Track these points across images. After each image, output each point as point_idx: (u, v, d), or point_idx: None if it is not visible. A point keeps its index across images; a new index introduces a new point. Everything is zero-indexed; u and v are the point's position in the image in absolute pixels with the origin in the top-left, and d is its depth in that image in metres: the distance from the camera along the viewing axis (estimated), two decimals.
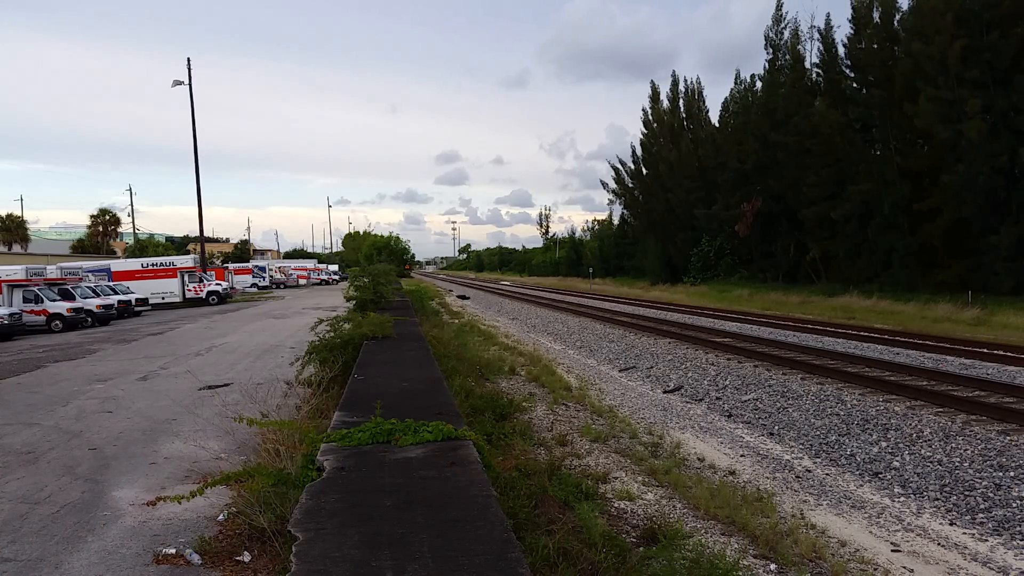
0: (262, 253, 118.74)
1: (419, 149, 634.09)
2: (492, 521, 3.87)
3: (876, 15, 34.46)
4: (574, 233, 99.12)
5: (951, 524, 7.40)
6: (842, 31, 43.36)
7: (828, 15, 39.87)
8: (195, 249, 63.75)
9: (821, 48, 38.73)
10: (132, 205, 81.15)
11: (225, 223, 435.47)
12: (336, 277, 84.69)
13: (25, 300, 27.24)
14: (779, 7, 42.40)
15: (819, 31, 38.80)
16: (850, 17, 35.66)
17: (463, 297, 52.31)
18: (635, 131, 63.30)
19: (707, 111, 56.09)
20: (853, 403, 11.84)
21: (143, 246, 71.57)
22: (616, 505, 7.20)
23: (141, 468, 7.74)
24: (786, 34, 41.84)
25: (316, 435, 5.76)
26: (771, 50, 42.60)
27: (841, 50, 37.34)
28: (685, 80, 57.29)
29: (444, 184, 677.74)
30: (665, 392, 14.62)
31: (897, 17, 33.57)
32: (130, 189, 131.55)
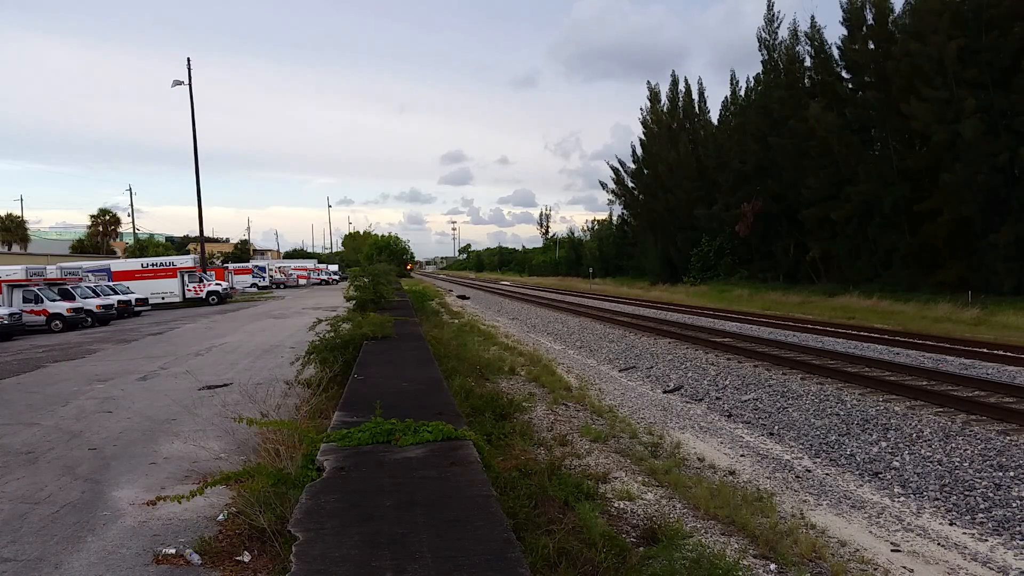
0: (262, 253, 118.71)
1: (425, 149, 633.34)
2: (492, 521, 3.87)
3: (870, 16, 34.44)
4: (573, 233, 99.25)
5: (951, 524, 7.40)
6: (834, 32, 43.23)
7: (813, 17, 39.93)
8: (195, 249, 63.75)
9: (811, 51, 38.79)
10: (132, 205, 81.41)
11: (225, 223, 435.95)
12: (336, 277, 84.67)
13: (25, 300, 27.24)
14: (770, 7, 42.38)
15: (806, 34, 38.88)
16: (842, 19, 35.69)
17: (463, 297, 52.32)
18: (640, 130, 63.15)
19: (708, 111, 56.18)
20: (853, 403, 11.84)
21: (143, 246, 71.60)
22: (616, 505, 7.20)
23: (141, 468, 7.74)
24: (780, 35, 41.86)
25: (316, 435, 5.76)
26: (765, 52, 42.59)
27: (836, 52, 37.38)
28: (685, 81, 57.39)
29: (448, 184, 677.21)
30: (665, 392, 14.61)
31: (891, 18, 33.56)
32: (130, 189, 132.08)
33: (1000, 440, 9.32)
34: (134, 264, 43.48)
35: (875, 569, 6.30)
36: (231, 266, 65.05)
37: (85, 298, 29.95)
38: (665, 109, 57.91)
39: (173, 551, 5.32)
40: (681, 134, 55.71)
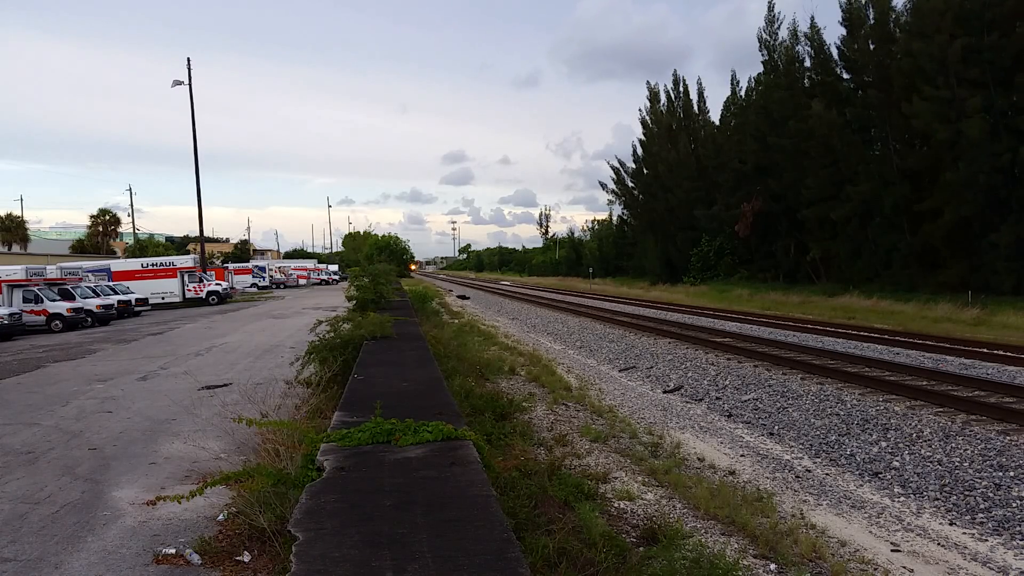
0: (262, 253, 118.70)
1: (426, 149, 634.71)
2: (492, 521, 3.87)
3: (870, 15, 34.43)
4: (573, 233, 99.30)
5: (951, 524, 7.40)
6: (834, 32, 43.20)
7: (812, 18, 40.04)
8: (195, 249, 63.74)
9: (811, 51, 38.79)
10: (132, 205, 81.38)
11: (225, 223, 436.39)
12: (336, 277, 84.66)
13: (25, 300, 27.24)
14: (771, 8, 42.39)
15: (805, 35, 38.87)
16: (841, 20, 35.66)
17: (463, 297, 52.32)
18: (640, 130, 63.27)
19: (707, 111, 56.18)
20: (853, 403, 11.84)
21: (143, 246, 71.60)
22: (616, 505, 7.20)
23: (141, 468, 7.74)
24: (781, 35, 41.86)
25: (316, 435, 5.76)
26: (766, 52, 42.60)
27: (835, 52, 37.37)
28: (684, 81, 57.36)
29: (449, 184, 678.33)
30: (665, 392, 14.61)
31: (892, 17, 33.56)
32: (130, 189, 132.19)
33: (1000, 440, 9.31)
34: (134, 264, 43.47)
35: (875, 569, 6.29)
36: (231, 266, 65.03)
37: (85, 298, 29.94)
38: (665, 109, 57.89)
39: (173, 551, 5.32)
40: (681, 134, 55.73)
